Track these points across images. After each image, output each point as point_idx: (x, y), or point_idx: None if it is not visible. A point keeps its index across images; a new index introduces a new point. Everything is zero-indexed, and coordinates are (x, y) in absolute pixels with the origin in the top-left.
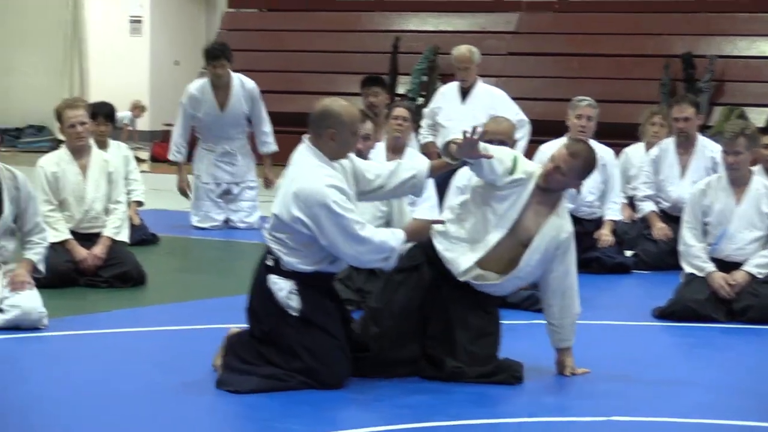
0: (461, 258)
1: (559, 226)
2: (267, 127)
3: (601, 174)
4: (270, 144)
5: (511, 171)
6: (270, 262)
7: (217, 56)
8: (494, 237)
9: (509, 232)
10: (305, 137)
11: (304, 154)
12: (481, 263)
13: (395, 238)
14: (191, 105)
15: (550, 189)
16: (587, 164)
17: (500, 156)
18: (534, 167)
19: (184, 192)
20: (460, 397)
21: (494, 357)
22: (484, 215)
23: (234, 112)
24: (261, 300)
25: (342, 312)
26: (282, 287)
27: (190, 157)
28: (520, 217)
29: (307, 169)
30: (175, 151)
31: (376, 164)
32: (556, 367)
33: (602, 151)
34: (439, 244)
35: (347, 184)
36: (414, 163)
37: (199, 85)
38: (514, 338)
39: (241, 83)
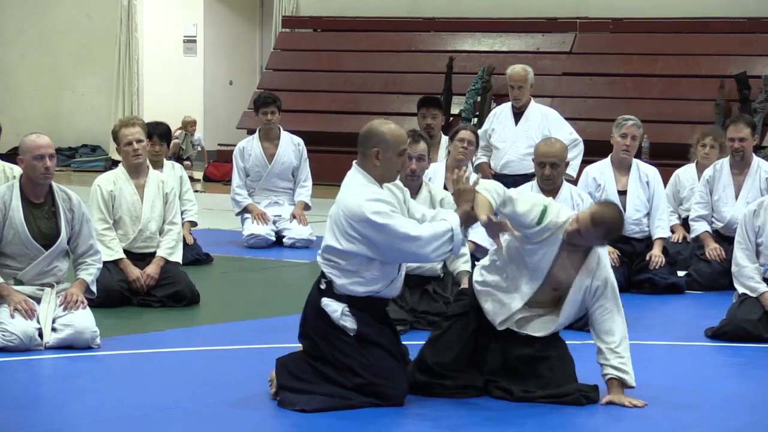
0: (498, 310)
1: (589, 279)
2: (309, 182)
3: (645, 191)
4: (307, 196)
5: (539, 221)
6: (323, 285)
7: (267, 102)
8: (528, 289)
9: (543, 283)
10: (355, 162)
11: (351, 176)
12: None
13: (450, 220)
14: (241, 157)
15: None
16: (609, 231)
17: (529, 207)
18: (564, 218)
19: (265, 217)
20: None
21: (573, 376)
22: (518, 268)
23: (282, 164)
24: (315, 322)
25: (396, 336)
26: (335, 309)
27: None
28: (552, 270)
29: (352, 190)
30: (238, 198)
31: (423, 207)
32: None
33: (646, 169)
34: (479, 295)
35: (397, 206)
36: (448, 215)
37: (248, 138)
38: None
39: (290, 138)
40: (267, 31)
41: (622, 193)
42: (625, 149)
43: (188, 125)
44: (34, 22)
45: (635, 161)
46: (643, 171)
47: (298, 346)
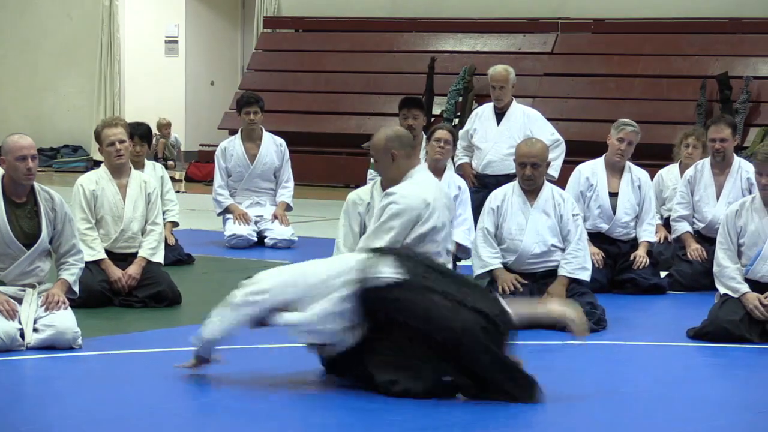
0: None
1: None
2: (291, 183)
3: (636, 195)
4: (289, 196)
5: None
6: None
7: (250, 102)
8: None
9: None
10: None
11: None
12: None
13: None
14: (223, 157)
15: None
16: None
17: None
18: None
19: (246, 217)
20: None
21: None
22: None
23: (264, 164)
24: None
25: None
26: None
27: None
28: None
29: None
30: (220, 199)
31: None
32: None
33: (638, 173)
34: None
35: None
36: None
37: (230, 138)
38: (549, 359)
39: (272, 138)
40: (248, 31)
41: (613, 195)
42: (620, 153)
43: (162, 128)
44: (15, 22)
45: (628, 163)
46: (636, 174)
47: (293, 344)
